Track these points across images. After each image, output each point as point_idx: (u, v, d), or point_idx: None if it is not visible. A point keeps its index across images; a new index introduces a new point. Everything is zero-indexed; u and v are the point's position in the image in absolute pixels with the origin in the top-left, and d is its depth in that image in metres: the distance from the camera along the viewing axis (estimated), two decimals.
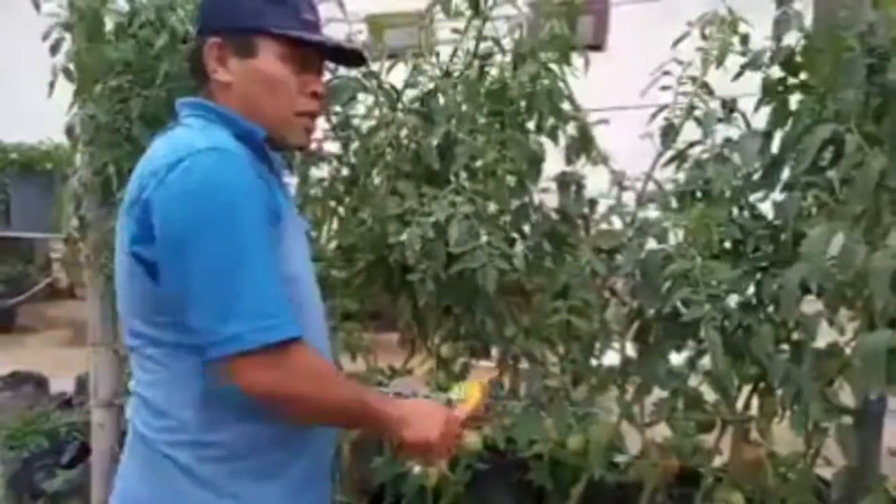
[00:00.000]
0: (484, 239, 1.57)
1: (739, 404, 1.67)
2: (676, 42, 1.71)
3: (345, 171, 1.92)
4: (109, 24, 1.90)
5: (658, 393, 1.67)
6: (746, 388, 1.67)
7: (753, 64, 1.52)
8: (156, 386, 0.93)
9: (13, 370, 3.37)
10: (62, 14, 1.82)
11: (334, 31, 1.84)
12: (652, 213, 1.63)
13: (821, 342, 1.56)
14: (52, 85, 1.84)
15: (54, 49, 1.80)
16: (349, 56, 1.09)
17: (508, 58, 1.66)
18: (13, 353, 4.23)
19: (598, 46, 4.78)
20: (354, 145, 1.86)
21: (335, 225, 1.99)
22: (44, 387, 3.29)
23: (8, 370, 3.37)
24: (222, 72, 0.95)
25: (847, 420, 1.52)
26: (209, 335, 0.85)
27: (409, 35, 1.88)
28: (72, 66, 1.85)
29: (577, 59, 1.72)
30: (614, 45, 4.71)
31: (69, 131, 1.89)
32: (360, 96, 1.82)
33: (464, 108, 1.72)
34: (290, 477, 0.95)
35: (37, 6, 1.80)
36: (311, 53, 0.99)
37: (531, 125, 1.71)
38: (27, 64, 2.10)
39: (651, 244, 1.59)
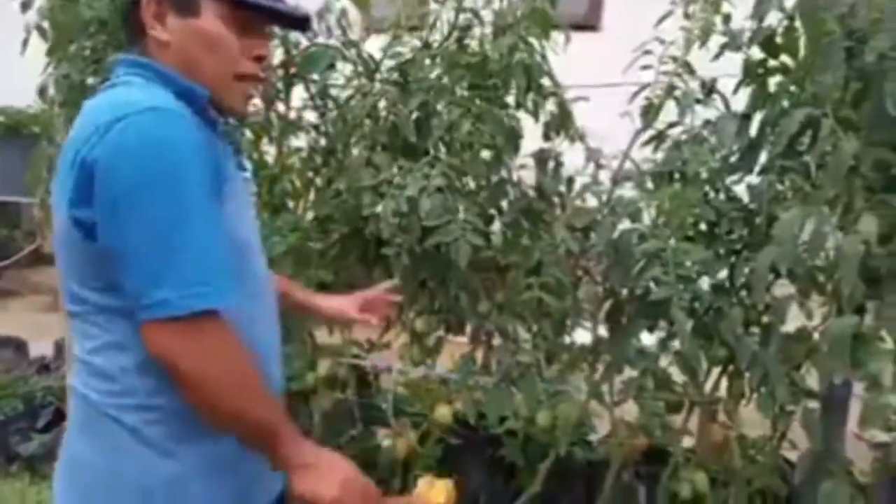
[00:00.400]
0: (461, 215, 1.56)
1: (708, 386, 1.68)
2: (660, 21, 1.69)
3: (322, 142, 1.91)
4: None
5: (630, 373, 1.68)
6: (716, 371, 1.68)
7: (732, 44, 1.50)
8: (101, 351, 0.91)
9: None
10: None
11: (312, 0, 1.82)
12: (627, 192, 1.62)
13: (793, 326, 1.57)
14: (25, 43, 1.80)
15: (25, 6, 1.76)
16: (296, 21, 1.05)
17: (488, 30, 1.63)
18: None
19: (592, 26, 4.73)
20: (332, 115, 1.84)
21: (312, 196, 1.98)
22: (23, 351, 3.28)
23: None
24: (160, 29, 0.92)
25: (812, 404, 1.53)
26: (139, 298, 0.83)
27: (395, 4, 1.86)
28: (46, 24, 1.81)
29: (559, 36, 1.70)
30: (609, 25, 4.66)
31: (42, 92, 1.86)
32: (339, 65, 1.80)
33: (444, 80, 1.70)
34: (226, 444, 0.93)
35: None
36: (256, 16, 0.96)
37: (510, 100, 1.69)
38: (13, 26, 2.06)
39: (626, 224, 1.58)
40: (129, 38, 0.96)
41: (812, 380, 1.55)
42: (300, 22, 1.06)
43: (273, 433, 0.89)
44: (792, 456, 1.70)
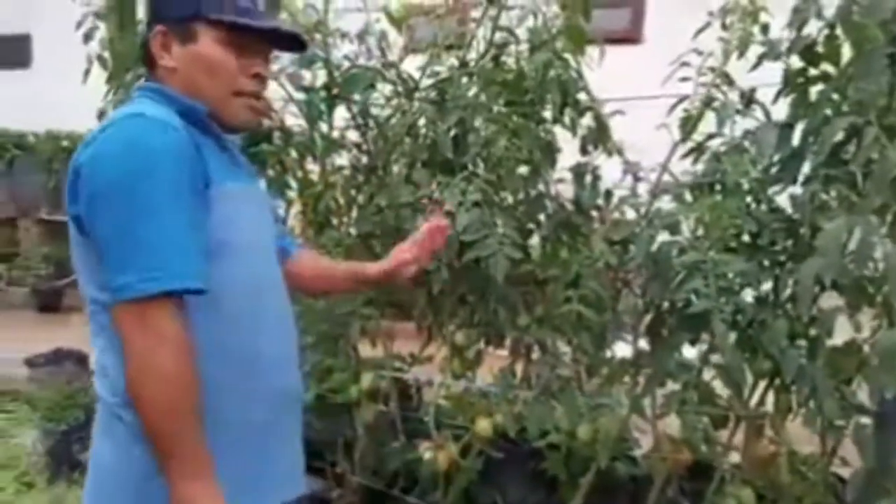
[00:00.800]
0: (499, 229, 1.58)
1: (754, 400, 1.65)
2: (698, 33, 1.69)
3: (364, 160, 1.96)
4: (142, 13, 1.97)
5: (672, 386, 1.66)
6: (762, 385, 1.64)
7: (771, 54, 1.49)
8: (105, 351, 0.99)
9: (56, 347, 3.52)
10: (95, 2, 1.89)
11: (354, 21, 1.88)
12: (666, 204, 1.61)
13: (841, 339, 1.53)
14: (86, 72, 1.92)
15: (87, 37, 1.88)
16: (289, 40, 1.12)
17: (524, 47, 1.66)
18: (58, 331, 4.41)
19: (634, 39, 4.71)
20: (373, 133, 1.89)
21: (355, 212, 2.03)
22: (84, 363, 3.42)
23: (51, 347, 3.52)
24: (167, 58, 1.02)
25: (864, 419, 1.48)
26: (109, 285, 0.90)
27: (434, 24, 1.90)
28: (106, 54, 1.92)
29: (595, 51, 1.71)
30: (651, 37, 4.63)
31: (101, 117, 1.97)
32: (379, 85, 1.85)
33: (481, 97, 1.73)
34: (222, 436, 0.96)
35: None
36: (251, 38, 1.04)
37: (547, 115, 1.71)
38: (75, 59, 2.21)
39: (665, 236, 1.57)
40: (147, 69, 1.07)
41: (864, 394, 1.51)
42: (294, 42, 1.13)
43: (178, 454, 0.91)
44: (845, 473, 1.65)
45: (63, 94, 5.01)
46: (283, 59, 1.86)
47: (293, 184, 2.09)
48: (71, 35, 2.12)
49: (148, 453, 0.94)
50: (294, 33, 1.13)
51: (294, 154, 2.06)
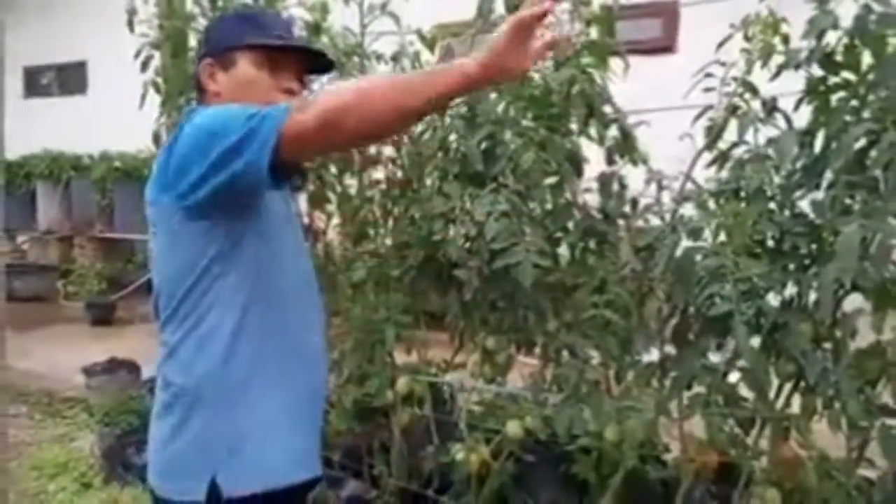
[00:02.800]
0: (528, 238, 1.65)
1: (780, 403, 1.67)
2: (721, 44, 1.73)
3: (399, 174, 2.05)
4: (193, 42, 2.11)
5: (699, 389, 1.69)
6: (788, 387, 1.67)
7: (790, 63, 1.53)
8: (185, 334, 1.18)
9: (111, 357, 3.71)
10: (151, 34, 2.05)
11: (389, 44, 1.99)
12: (689, 211, 1.66)
13: (866, 342, 1.55)
14: (143, 97, 2.07)
15: (144, 65, 2.03)
16: (317, 60, 1.25)
17: (549, 63, 1.73)
18: (112, 342, 4.62)
19: (668, 48, 4.74)
20: (408, 149, 1.98)
21: (390, 224, 2.12)
22: (136, 372, 3.60)
23: (106, 357, 3.71)
24: (212, 84, 1.19)
25: (891, 421, 1.50)
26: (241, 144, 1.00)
27: (466, 44, 1.99)
28: (159, 80, 2.07)
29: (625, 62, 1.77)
30: (686, 46, 4.66)
31: (155, 138, 2.11)
32: None
33: (510, 112, 1.81)
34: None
35: (131, 28, 2.04)
36: (282, 58, 1.18)
37: (573, 127, 1.78)
38: (130, 79, 2.37)
39: (689, 243, 1.62)
40: (198, 94, 1.24)
41: (889, 396, 1.53)
42: (321, 61, 1.26)
43: (433, 84, 0.98)
44: (873, 475, 1.66)
45: (116, 118, 5.29)
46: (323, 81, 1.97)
47: (332, 197, 2.20)
48: (123, 62, 2.26)
49: (205, 421, 1.13)
50: (320, 50, 1.27)
51: (333, 169, 2.17)
